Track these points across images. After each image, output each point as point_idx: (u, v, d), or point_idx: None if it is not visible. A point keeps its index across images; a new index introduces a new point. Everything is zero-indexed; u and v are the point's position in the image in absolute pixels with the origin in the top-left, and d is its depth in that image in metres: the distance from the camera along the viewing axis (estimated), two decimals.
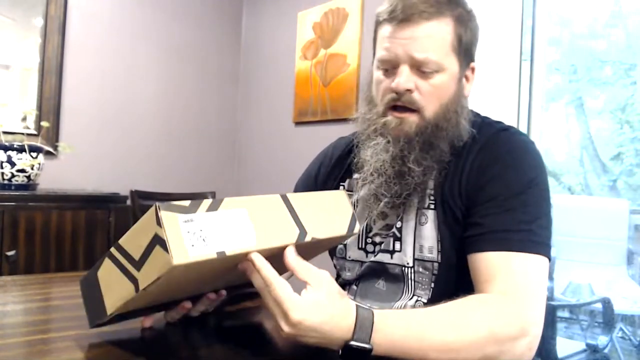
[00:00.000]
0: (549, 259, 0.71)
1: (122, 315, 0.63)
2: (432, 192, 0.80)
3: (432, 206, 0.80)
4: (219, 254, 0.53)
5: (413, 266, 0.81)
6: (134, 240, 0.56)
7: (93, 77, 2.43)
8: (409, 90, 0.77)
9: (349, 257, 0.90)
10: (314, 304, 0.55)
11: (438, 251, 0.79)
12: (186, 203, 0.54)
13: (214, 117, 2.92)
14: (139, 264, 0.55)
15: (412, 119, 0.79)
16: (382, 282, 0.86)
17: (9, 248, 1.75)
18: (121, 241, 0.58)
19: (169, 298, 0.68)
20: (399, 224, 0.82)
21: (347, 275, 0.91)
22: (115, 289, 0.59)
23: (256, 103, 2.91)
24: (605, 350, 2.29)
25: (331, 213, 0.71)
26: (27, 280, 1.03)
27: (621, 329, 2.89)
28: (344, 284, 0.93)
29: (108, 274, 0.60)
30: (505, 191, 0.73)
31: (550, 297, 2.82)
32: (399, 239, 0.82)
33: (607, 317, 2.48)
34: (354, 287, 0.90)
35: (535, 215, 0.71)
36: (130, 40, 2.55)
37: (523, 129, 1.73)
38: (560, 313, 3.24)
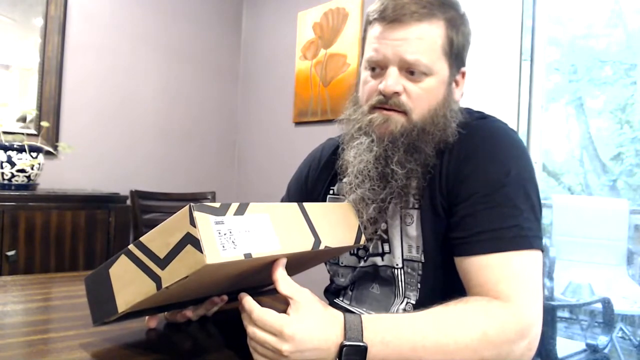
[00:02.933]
0: (543, 250, 0.69)
1: (126, 315, 0.63)
2: (416, 191, 0.79)
3: (417, 205, 0.78)
4: (246, 255, 0.55)
5: (402, 267, 0.80)
6: (160, 238, 0.57)
7: (93, 77, 2.43)
8: (397, 93, 0.75)
9: (342, 263, 0.90)
10: (303, 317, 0.57)
11: (421, 251, 0.78)
12: (216, 205, 0.56)
13: (214, 117, 2.92)
14: (163, 262, 0.56)
15: (398, 117, 0.76)
16: (376, 286, 0.85)
17: (9, 248, 1.75)
18: (143, 239, 0.59)
19: (180, 299, 0.68)
20: (384, 226, 0.81)
21: (341, 281, 0.91)
22: (131, 286, 0.60)
23: (256, 103, 2.91)
24: (605, 350, 2.29)
25: (340, 224, 0.74)
26: (27, 280, 1.03)
27: (621, 329, 2.89)
28: (339, 290, 0.93)
29: (123, 272, 0.61)
30: (487, 185, 0.70)
31: (550, 297, 2.82)
32: (387, 241, 0.82)
33: (607, 317, 2.48)
34: (349, 292, 0.90)
35: (522, 208, 0.69)
36: (130, 40, 2.55)
37: (523, 129, 1.73)
38: (560, 313, 3.24)
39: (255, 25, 2.94)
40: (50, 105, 2.28)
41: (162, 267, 0.56)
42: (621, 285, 3.02)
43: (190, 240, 0.53)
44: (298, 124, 2.58)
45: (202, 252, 0.51)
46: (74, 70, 2.36)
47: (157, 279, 0.56)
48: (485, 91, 1.73)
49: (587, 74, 5.12)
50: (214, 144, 2.93)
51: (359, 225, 0.77)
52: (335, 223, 0.73)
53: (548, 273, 2.99)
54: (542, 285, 0.68)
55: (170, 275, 0.55)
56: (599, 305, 2.62)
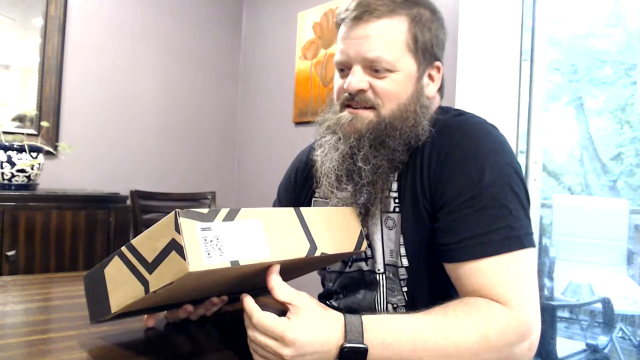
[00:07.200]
0: (534, 246, 0.68)
1: (124, 313, 0.63)
2: (396, 194, 0.78)
3: (397, 209, 0.77)
4: (233, 263, 0.54)
5: (384, 272, 0.79)
6: (148, 242, 0.56)
7: (93, 77, 2.43)
8: (362, 90, 0.76)
9: (329, 269, 0.89)
10: (304, 321, 0.56)
11: (402, 255, 0.76)
12: (204, 210, 0.55)
13: (214, 117, 2.92)
14: (151, 267, 0.55)
15: (366, 114, 0.77)
16: (363, 292, 0.84)
17: (9, 248, 1.75)
18: (134, 242, 0.58)
19: (175, 300, 0.68)
20: (365, 230, 0.79)
21: (329, 285, 0.91)
22: (122, 288, 0.59)
23: (256, 103, 2.91)
24: (605, 350, 2.29)
25: (340, 229, 0.72)
26: (27, 280, 1.03)
27: (621, 329, 2.89)
28: (331, 294, 0.92)
29: (116, 273, 0.60)
30: (471, 187, 0.68)
31: (550, 297, 2.82)
32: (369, 245, 0.81)
33: (607, 317, 2.49)
34: (341, 296, 0.89)
35: (510, 207, 0.67)
36: (130, 40, 2.55)
37: (523, 129, 1.73)
38: (560, 313, 3.24)
39: (255, 25, 2.94)
40: (50, 105, 2.28)
41: (150, 272, 0.55)
42: (621, 285, 3.02)
43: (175, 247, 0.52)
44: (298, 124, 2.58)
45: (185, 260, 0.50)
46: (74, 70, 2.36)
47: (145, 283, 0.56)
48: (485, 91, 1.73)
49: (587, 74, 5.11)
50: (214, 144, 2.93)
51: (360, 231, 0.75)
52: (335, 228, 0.71)
53: (548, 273, 2.99)
54: (538, 282, 0.67)
55: (157, 280, 0.54)
56: (599, 305, 2.63)
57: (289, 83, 2.63)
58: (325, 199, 0.85)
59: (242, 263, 0.55)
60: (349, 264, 0.85)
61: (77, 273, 1.14)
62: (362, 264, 0.83)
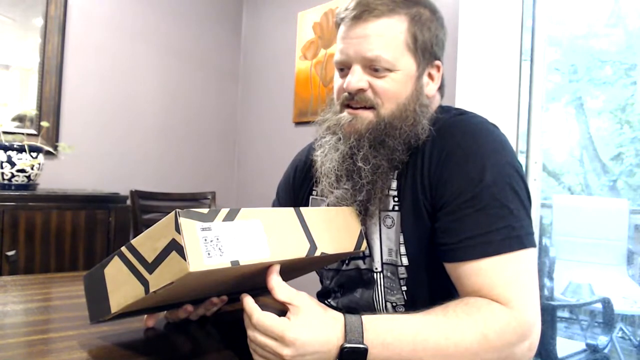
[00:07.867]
0: (535, 246, 0.67)
1: (124, 313, 0.63)
2: (396, 193, 0.78)
3: (397, 208, 0.77)
4: (233, 263, 0.54)
5: (382, 271, 0.79)
6: (148, 242, 0.56)
7: (93, 77, 2.43)
8: (362, 90, 0.76)
9: (327, 267, 0.89)
10: (304, 321, 0.56)
11: (401, 254, 0.76)
12: (204, 210, 0.55)
13: (214, 117, 2.92)
14: (151, 267, 0.55)
15: (365, 115, 0.77)
16: (360, 290, 0.84)
17: (9, 248, 1.75)
18: (134, 242, 0.58)
19: (175, 300, 0.68)
20: (363, 229, 0.79)
21: (327, 283, 0.91)
22: (122, 288, 0.59)
23: (256, 103, 2.91)
24: (605, 350, 2.29)
25: (340, 229, 0.72)
26: (27, 280, 1.03)
27: (621, 329, 2.89)
28: (329, 292, 0.92)
29: (116, 273, 0.60)
30: (471, 186, 0.68)
31: (550, 297, 2.82)
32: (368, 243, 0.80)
33: (607, 317, 2.49)
34: (338, 295, 0.89)
35: (510, 207, 0.67)
36: (130, 40, 2.55)
37: (523, 129, 1.73)
38: (560, 313, 3.24)
39: (255, 25, 2.94)
40: (50, 105, 2.28)
41: (150, 272, 0.55)
42: (621, 285, 3.02)
43: (175, 247, 0.52)
44: (298, 124, 2.58)
45: (185, 260, 0.51)
46: (74, 70, 2.36)
47: (145, 283, 0.56)
48: (485, 91, 1.73)
49: (587, 74, 5.11)
50: (214, 144, 2.93)
51: (360, 231, 0.75)
52: (335, 228, 0.71)
53: (548, 273, 2.99)
54: (538, 282, 0.67)
55: (157, 281, 0.54)
56: (599, 305, 2.63)
57: (289, 83, 2.63)
58: (324, 197, 0.84)
59: (242, 263, 0.55)
60: (347, 262, 0.85)
61: (77, 273, 1.14)
62: (360, 262, 0.83)
